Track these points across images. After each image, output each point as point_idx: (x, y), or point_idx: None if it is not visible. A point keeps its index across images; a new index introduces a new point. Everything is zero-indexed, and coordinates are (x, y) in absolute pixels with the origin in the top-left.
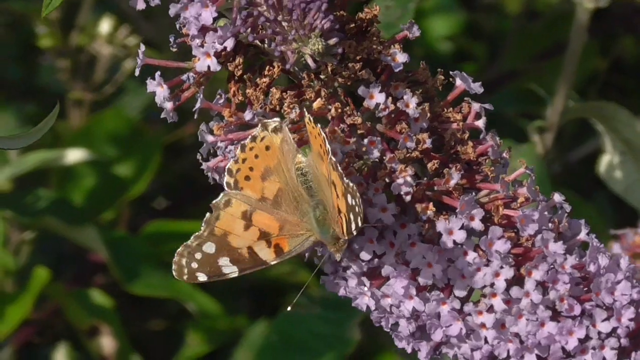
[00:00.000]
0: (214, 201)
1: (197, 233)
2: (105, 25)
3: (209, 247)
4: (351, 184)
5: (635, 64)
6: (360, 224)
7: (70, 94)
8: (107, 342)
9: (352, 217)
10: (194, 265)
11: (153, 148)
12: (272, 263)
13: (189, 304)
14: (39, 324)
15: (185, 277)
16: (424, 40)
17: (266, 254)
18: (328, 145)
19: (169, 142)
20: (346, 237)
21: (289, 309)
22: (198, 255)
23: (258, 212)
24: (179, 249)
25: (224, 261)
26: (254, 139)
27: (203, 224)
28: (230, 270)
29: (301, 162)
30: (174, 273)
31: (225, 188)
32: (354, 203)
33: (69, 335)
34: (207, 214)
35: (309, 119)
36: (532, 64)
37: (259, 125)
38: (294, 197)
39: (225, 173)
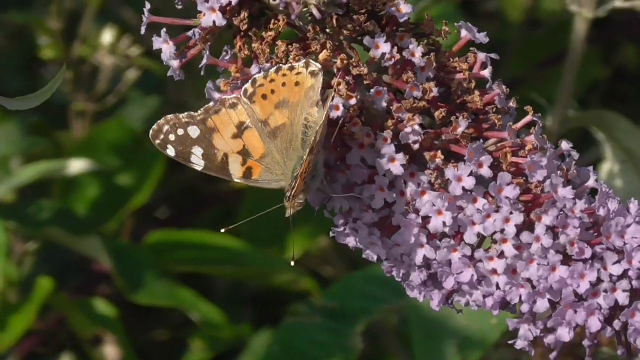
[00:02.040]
0: (224, 96)
1: (192, 112)
2: (107, 36)
3: (193, 131)
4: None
5: (638, 73)
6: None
7: (73, 104)
8: (111, 352)
9: (298, 196)
10: (171, 137)
11: (155, 158)
12: (235, 180)
13: (192, 313)
14: (42, 334)
15: (157, 141)
16: None
17: (235, 169)
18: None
19: None
20: (286, 197)
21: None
22: (180, 132)
23: (252, 131)
24: (168, 115)
25: (196, 150)
26: (291, 68)
27: (202, 109)
28: (197, 161)
29: (312, 116)
30: (150, 132)
31: (241, 94)
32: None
33: (73, 345)
34: (211, 102)
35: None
36: (533, 72)
37: (304, 59)
38: (290, 139)
39: (249, 81)
